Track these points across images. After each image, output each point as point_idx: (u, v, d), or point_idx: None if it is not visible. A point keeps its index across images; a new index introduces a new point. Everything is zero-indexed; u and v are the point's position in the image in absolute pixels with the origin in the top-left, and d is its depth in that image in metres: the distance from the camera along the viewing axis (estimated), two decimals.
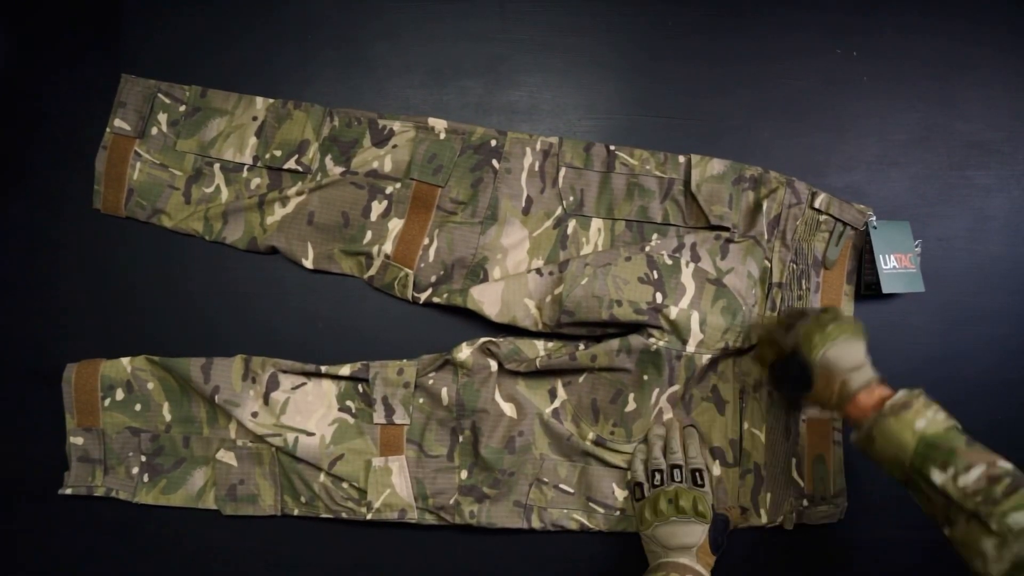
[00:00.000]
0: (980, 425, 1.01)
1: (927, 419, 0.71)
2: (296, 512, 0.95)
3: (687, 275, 0.92)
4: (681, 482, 0.87)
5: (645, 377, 0.91)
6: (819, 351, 0.78)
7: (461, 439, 0.94)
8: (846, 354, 0.77)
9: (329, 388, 0.95)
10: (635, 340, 0.90)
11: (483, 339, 0.94)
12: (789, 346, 0.82)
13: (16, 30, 0.99)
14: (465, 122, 0.97)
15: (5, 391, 0.97)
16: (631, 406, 0.92)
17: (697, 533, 0.85)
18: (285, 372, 0.94)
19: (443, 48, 1.00)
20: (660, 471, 0.89)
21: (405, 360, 0.95)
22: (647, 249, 0.93)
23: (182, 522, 0.96)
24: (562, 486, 0.94)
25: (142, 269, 0.98)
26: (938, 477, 0.68)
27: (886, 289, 0.94)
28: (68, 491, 0.94)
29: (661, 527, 0.86)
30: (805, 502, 0.94)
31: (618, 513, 0.94)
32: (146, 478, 0.95)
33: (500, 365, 0.94)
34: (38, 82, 0.99)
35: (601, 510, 0.94)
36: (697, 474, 0.88)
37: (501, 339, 0.94)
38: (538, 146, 0.96)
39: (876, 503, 0.97)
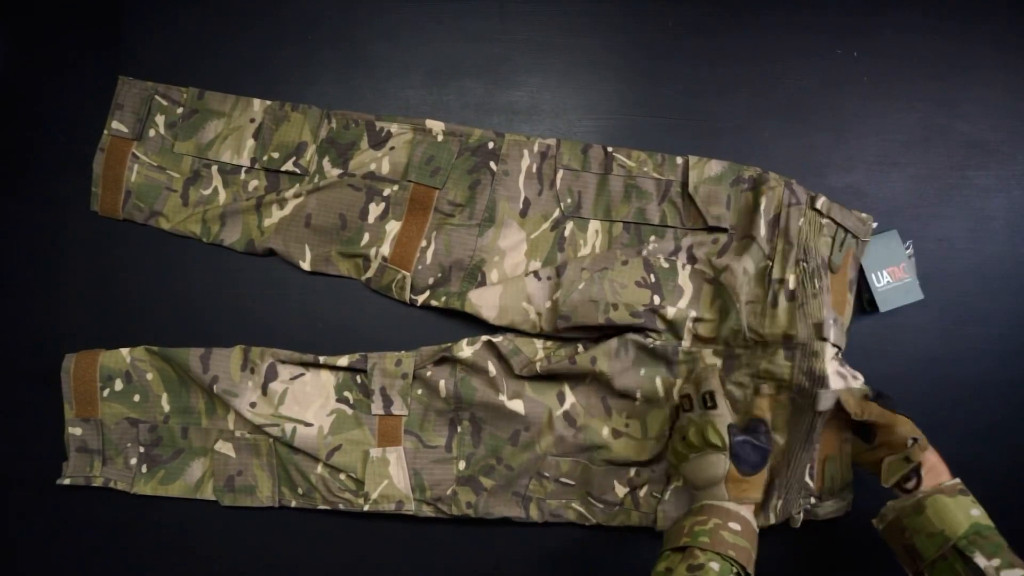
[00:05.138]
0: (980, 425, 1.02)
1: (981, 511, 0.78)
2: (294, 503, 0.96)
3: (684, 277, 0.92)
4: (690, 411, 0.84)
5: (642, 372, 0.92)
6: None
7: (459, 430, 0.95)
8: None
9: (327, 379, 0.96)
10: (632, 338, 0.92)
11: (484, 337, 0.94)
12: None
13: (16, 31, 1.00)
14: (465, 123, 0.97)
15: (4, 391, 0.98)
16: (639, 399, 0.93)
17: (716, 464, 0.79)
18: (284, 363, 0.95)
19: (443, 48, 1.00)
20: (679, 406, 0.87)
21: (403, 351, 0.95)
22: (644, 253, 0.93)
23: (181, 515, 0.97)
24: (563, 479, 0.95)
25: (141, 270, 0.98)
26: (982, 561, 0.72)
27: (883, 308, 0.95)
28: (67, 481, 0.96)
29: (685, 467, 0.83)
30: (812, 500, 0.94)
31: (617, 508, 0.95)
32: (144, 468, 0.96)
33: (502, 367, 0.94)
34: (37, 83, 0.99)
35: (600, 505, 0.95)
36: (707, 396, 0.84)
37: (501, 337, 0.94)
38: (536, 148, 0.96)
39: (882, 497, 0.96)
